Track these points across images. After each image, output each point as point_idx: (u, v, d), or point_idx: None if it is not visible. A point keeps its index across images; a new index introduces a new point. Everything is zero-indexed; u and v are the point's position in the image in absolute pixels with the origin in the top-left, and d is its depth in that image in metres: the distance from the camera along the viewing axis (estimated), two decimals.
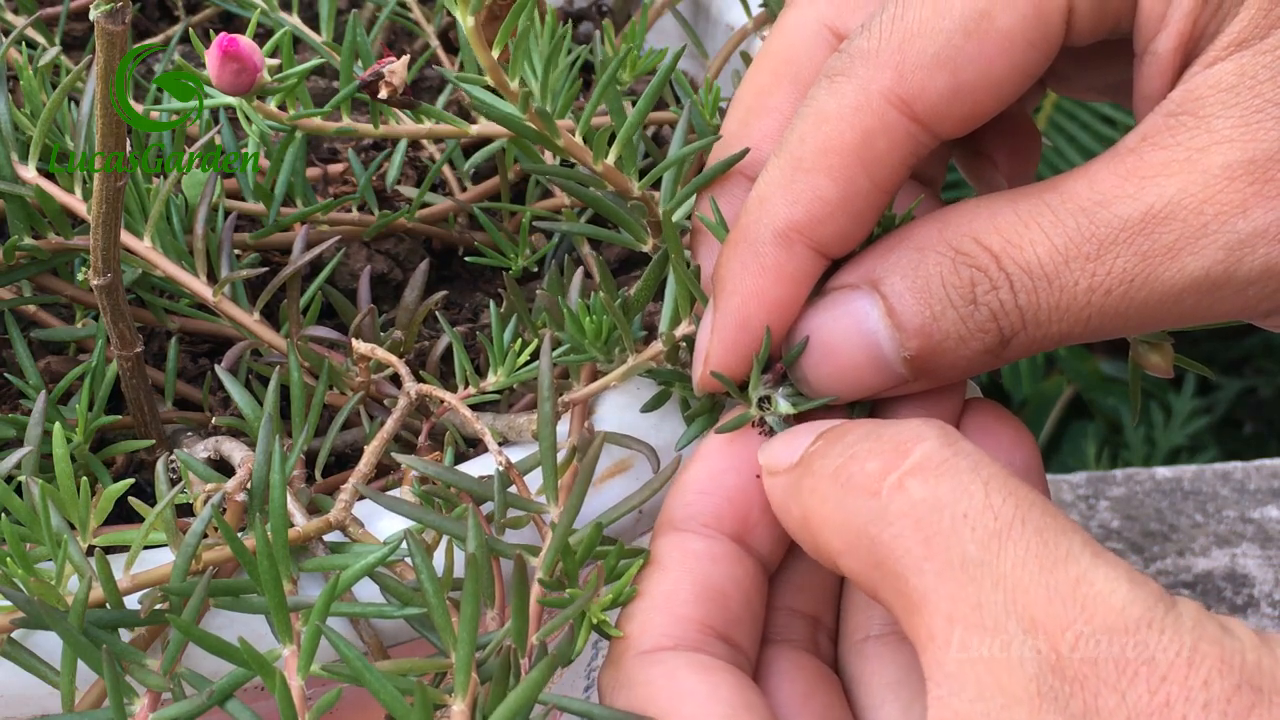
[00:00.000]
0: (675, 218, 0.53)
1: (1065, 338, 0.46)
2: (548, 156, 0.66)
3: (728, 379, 0.48)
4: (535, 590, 0.45)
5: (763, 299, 0.47)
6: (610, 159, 0.53)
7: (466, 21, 0.48)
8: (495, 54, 0.50)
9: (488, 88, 0.51)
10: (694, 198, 0.53)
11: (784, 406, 0.49)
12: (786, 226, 0.47)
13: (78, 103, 0.60)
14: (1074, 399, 1.71)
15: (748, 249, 0.48)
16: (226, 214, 0.61)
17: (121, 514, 0.50)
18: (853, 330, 0.47)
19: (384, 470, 0.56)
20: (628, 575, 0.45)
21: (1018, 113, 0.55)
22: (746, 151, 0.51)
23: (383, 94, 0.55)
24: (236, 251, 0.62)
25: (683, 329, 0.52)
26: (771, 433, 0.48)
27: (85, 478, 0.47)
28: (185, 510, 0.51)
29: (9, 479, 0.50)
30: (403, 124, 0.60)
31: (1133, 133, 0.45)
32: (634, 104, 0.54)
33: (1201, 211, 0.43)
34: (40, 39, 0.72)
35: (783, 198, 0.47)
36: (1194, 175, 0.43)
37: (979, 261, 0.45)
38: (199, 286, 0.58)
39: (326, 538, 0.49)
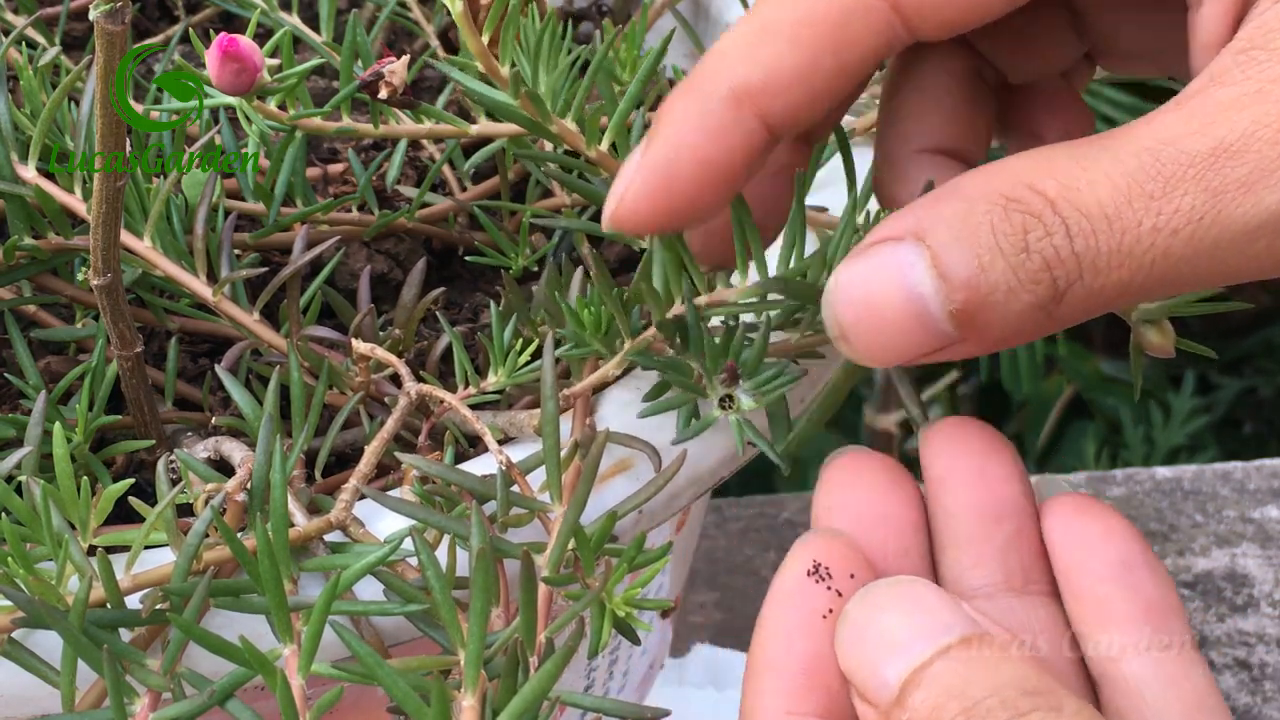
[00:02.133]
0: None
1: (1125, 288, 0.42)
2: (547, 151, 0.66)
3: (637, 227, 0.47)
4: (543, 586, 0.45)
5: (695, 153, 0.45)
6: (604, 145, 0.53)
7: (455, 5, 0.48)
8: (485, 39, 0.49)
9: (481, 77, 0.51)
10: None
11: (748, 403, 0.48)
12: (742, 85, 0.45)
13: (78, 103, 0.60)
14: (1074, 399, 1.71)
15: (695, 99, 0.46)
16: (226, 214, 0.61)
17: (121, 514, 0.50)
18: (896, 283, 0.43)
19: (384, 470, 0.56)
20: (652, 570, 0.45)
21: (1068, 94, 0.53)
22: None
23: (383, 94, 0.55)
24: (236, 251, 0.62)
25: (675, 310, 0.51)
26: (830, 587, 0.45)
27: (85, 478, 0.47)
28: (185, 510, 0.51)
29: (9, 479, 0.50)
30: (403, 124, 0.60)
31: (1197, 78, 0.43)
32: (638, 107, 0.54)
33: (1277, 142, 0.40)
34: (40, 39, 0.72)
35: (744, 55, 0.45)
36: (1268, 106, 0.41)
37: (1033, 207, 0.42)
38: (199, 286, 0.58)
39: (327, 537, 0.49)
